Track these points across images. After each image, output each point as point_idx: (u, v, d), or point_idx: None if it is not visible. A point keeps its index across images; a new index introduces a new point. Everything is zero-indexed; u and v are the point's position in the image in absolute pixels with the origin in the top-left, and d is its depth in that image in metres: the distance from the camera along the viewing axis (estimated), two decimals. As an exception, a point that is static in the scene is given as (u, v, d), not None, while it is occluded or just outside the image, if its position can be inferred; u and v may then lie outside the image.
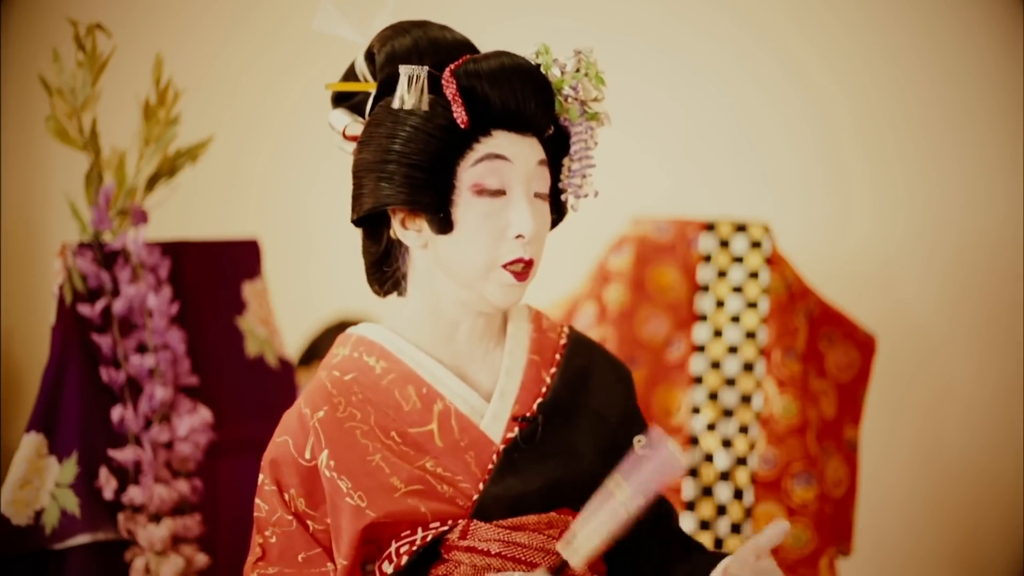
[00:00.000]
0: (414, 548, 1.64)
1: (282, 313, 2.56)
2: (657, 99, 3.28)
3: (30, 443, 2.14)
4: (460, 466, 1.67)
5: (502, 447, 1.68)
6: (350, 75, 1.74)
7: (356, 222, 1.73)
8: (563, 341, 1.79)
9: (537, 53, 1.69)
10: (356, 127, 1.70)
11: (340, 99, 1.75)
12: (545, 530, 1.67)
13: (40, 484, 2.13)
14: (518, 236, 1.64)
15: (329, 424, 1.67)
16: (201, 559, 2.27)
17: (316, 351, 3.60)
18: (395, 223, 1.69)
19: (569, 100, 1.68)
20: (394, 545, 1.65)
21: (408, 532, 1.65)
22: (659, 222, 2.81)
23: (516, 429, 1.69)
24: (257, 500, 1.70)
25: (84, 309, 2.22)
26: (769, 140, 3.35)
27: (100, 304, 2.23)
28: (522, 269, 1.65)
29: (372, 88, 1.70)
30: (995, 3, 3.17)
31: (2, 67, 3.63)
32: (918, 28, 3.23)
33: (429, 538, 1.64)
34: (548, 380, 1.74)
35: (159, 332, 2.28)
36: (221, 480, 2.34)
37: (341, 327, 3.59)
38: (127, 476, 2.21)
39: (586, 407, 1.74)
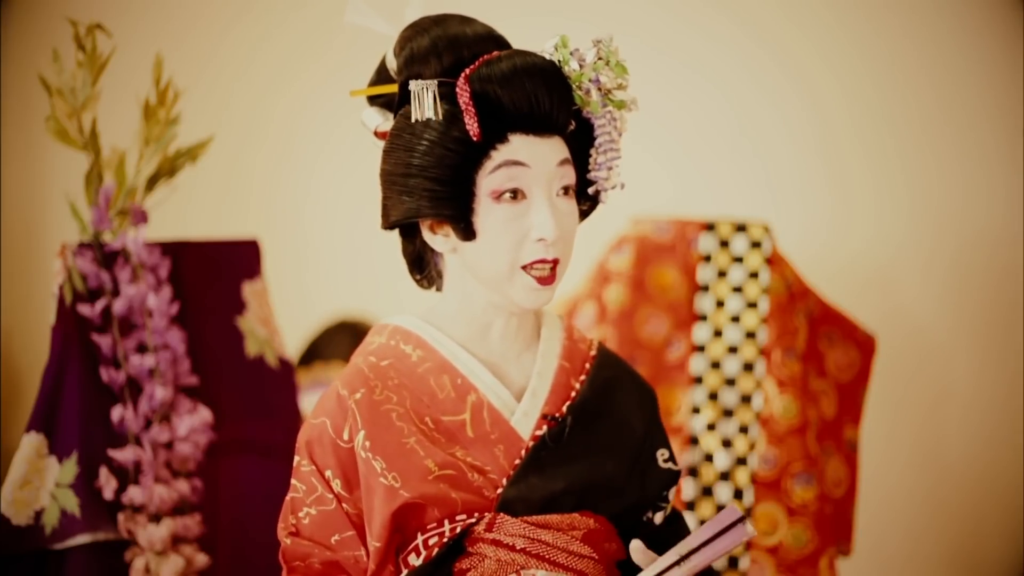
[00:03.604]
0: (443, 540, 1.66)
1: (282, 313, 2.56)
2: (657, 99, 3.28)
3: (30, 443, 2.14)
4: (489, 458, 1.70)
5: (530, 443, 1.71)
6: (382, 71, 1.75)
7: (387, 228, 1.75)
8: (593, 352, 1.82)
9: (555, 47, 1.68)
10: (387, 125, 1.72)
11: (373, 96, 1.76)
12: (568, 531, 1.69)
13: (40, 484, 2.13)
14: (540, 239, 1.66)
15: (366, 405, 1.69)
16: (201, 559, 2.27)
17: (316, 351, 3.61)
18: (424, 229, 1.71)
19: (590, 93, 1.68)
20: (420, 537, 1.68)
21: (434, 524, 1.67)
22: (659, 222, 2.81)
23: (544, 427, 1.71)
24: (293, 481, 1.72)
25: (84, 309, 2.22)
26: (769, 140, 3.35)
27: (100, 304, 2.23)
28: (549, 272, 1.67)
29: (395, 89, 1.71)
30: (995, 3, 3.17)
31: (2, 67, 3.63)
32: (918, 28, 3.22)
33: (458, 530, 1.66)
34: (577, 386, 1.77)
35: (159, 332, 2.28)
36: (221, 480, 2.34)
37: (341, 327, 3.62)
38: (127, 476, 2.21)
39: (612, 415, 1.77)
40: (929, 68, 3.22)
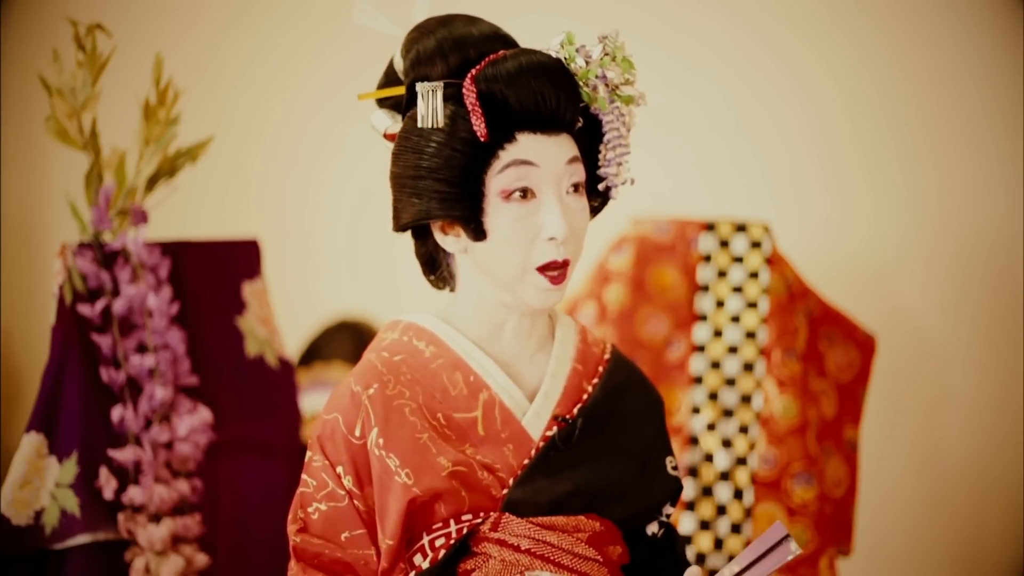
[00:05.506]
0: (450, 541, 1.66)
1: (282, 313, 2.55)
2: (657, 99, 3.27)
3: (30, 443, 2.14)
4: (498, 456, 1.70)
5: (540, 444, 1.71)
6: (390, 73, 1.75)
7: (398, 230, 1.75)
8: (606, 356, 1.82)
9: (561, 44, 1.68)
10: (396, 128, 1.72)
11: (382, 99, 1.76)
12: (573, 532, 1.69)
13: (40, 484, 2.13)
14: (551, 238, 1.66)
15: (379, 401, 1.69)
16: (201, 559, 2.27)
17: (316, 351, 3.61)
18: (435, 230, 1.71)
19: (597, 89, 1.68)
20: (426, 537, 1.67)
21: (440, 524, 1.67)
22: (659, 222, 2.81)
23: (555, 428, 1.72)
24: (304, 476, 1.72)
25: (84, 309, 2.22)
26: (769, 140, 3.35)
27: (100, 304, 2.23)
28: (557, 273, 1.68)
29: (402, 91, 1.71)
30: (995, 3, 3.17)
31: (2, 67, 3.63)
32: (918, 28, 3.22)
33: (464, 530, 1.66)
34: (589, 390, 1.77)
35: (159, 332, 2.28)
36: (221, 480, 2.34)
37: (341, 327, 3.62)
38: (127, 476, 2.21)
39: (622, 421, 1.77)
40: (929, 68, 3.22)
